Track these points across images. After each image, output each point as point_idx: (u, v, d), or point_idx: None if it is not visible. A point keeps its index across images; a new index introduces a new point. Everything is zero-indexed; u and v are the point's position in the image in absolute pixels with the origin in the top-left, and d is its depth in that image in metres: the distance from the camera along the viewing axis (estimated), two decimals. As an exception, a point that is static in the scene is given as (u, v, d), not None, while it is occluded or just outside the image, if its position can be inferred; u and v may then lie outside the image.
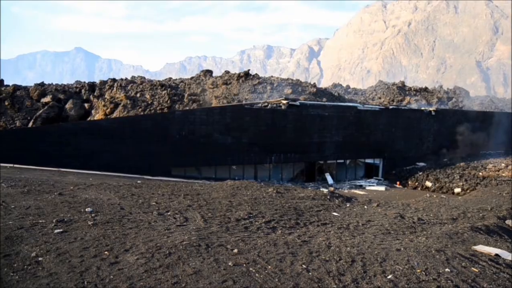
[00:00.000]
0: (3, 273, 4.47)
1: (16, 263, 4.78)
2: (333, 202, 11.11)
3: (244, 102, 29.63)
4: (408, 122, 30.50)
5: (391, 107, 31.03)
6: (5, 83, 35.28)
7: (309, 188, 20.70)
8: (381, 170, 29.29)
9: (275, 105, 25.66)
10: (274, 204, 9.63)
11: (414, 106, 36.88)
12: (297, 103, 25.86)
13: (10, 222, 6.62)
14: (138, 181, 13.49)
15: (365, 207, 11.08)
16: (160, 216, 7.45)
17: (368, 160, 29.40)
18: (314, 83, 45.38)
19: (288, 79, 41.01)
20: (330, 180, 26.48)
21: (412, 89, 46.72)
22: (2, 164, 16.25)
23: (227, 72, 37.97)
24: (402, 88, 46.28)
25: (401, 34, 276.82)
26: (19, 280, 4.31)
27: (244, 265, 4.92)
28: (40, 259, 4.95)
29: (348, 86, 55.25)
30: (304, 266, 5.07)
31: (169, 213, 7.70)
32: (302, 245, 6.05)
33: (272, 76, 40.13)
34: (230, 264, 4.90)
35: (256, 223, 7.46)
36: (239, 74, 36.43)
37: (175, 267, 4.72)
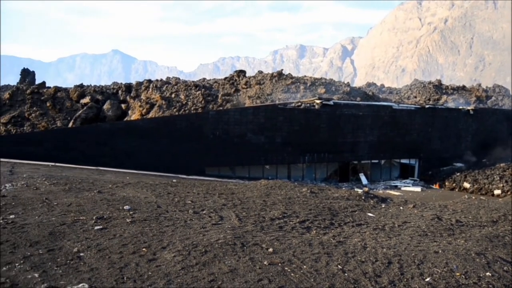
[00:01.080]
0: (47, 267, 4.65)
1: (59, 258, 4.97)
2: (368, 203, 10.97)
3: (277, 102, 29.62)
4: (445, 121, 29.72)
5: (427, 106, 30.31)
6: (47, 85, 36.57)
7: (343, 188, 20.50)
8: (416, 170, 28.69)
9: (308, 104, 25.54)
10: (308, 204, 9.60)
11: (451, 105, 35.94)
12: (331, 102, 25.65)
13: (53, 219, 6.88)
14: (174, 180, 13.72)
15: (401, 208, 10.89)
16: (195, 214, 7.57)
17: (404, 161, 28.85)
18: (348, 82, 44.92)
19: (321, 78, 40.72)
20: (364, 180, 26.14)
21: (449, 87, 45.47)
22: (44, 163, 16.88)
23: (260, 72, 38.05)
24: (438, 87, 45.13)
25: (437, 31, 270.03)
26: (62, 274, 4.47)
27: (280, 264, 4.94)
28: (81, 254, 5.11)
29: (382, 85, 54.39)
30: (339, 266, 5.05)
31: (204, 212, 7.81)
32: (337, 245, 6.02)
33: (305, 76, 39.94)
34: (265, 263, 4.93)
35: (291, 222, 7.47)
36: (272, 74, 36.45)
37: (211, 265, 4.79)
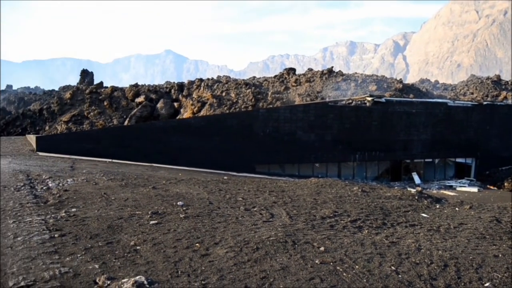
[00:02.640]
0: (106, 259, 4.87)
1: (117, 250, 5.19)
2: (422, 203, 10.65)
3: (327, 100, 29.34)
4: (504, 119, 28.26)
5: (485, 103, 28.95)
6: (104, 85, 38.15)
7: (395, 187, 20.00)
8: (473, 170, 27.50)
9: (359, 102, 25.12)
10: (360, 203, 9.46)
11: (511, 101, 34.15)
12: (383, 99, 25.08)
13: (111, 213, 7.19)
14: (225, 177, 13.93)
15: (457, 209, 10.49)
16: (247, 211, 7.66)
17: (459, 160, 27.73)
18: (400, 79, 43.74)
19: (372, 75, 39.93)
20: (417, 179, 25.38)
21: (509, 83, 43.19)
22: (102, 159, 17.63)
23: (310, 69, 37.82)
24: (497, 83, 42.99)
25: (495, 24, 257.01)
26: (120, 266, 4.67)
27: (331, 263, 4.91)
28: (138, 247, 5.31)
29: (436, 81, 52.55)
30: (393, 268, 4.95)
31: (255, 209, 7.88)
32: (390, 246, 5.90)
33: (355, 73, 39.33)
34: (317, 262, 4.92)
35: (342, 221, 7.39)
36: (322, 71, 36.14)
37: (263, 262, 4.84)
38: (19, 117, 38.84)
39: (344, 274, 4.62)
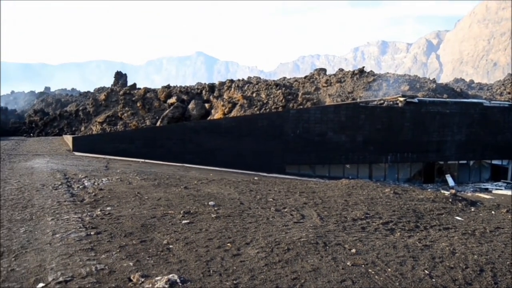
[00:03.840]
0: (140, 257, 4.98)
1: (150, 249, 5.30)
2: (456, 206, 10.40)
3: (359, 100, 29.00)
4: (545, 120, 27.25)
5: (524, 103, 28.00)
6: (137, 86, 38.90)
7: (428, 189, 19.60)
8: (510, 172, 26.64)
9: (391, 102, 24.74)
10: (392, 205, 9.32)
11: (553, 101, 32.84)
12: (415, 100, 24.62)
13: (145, 212, 7.35)
14: (255, 178, 13.99)
15: (493, 212, 10.20)
16: (277, 212, 7.67)
17: (495, 162, 26.90)
18: (434, 78, 42.83)
19: (404, 75, 39.23)
20: (451, 182, 24.77)
21: (550, 82, 41.62)
22: (135, 159, 18.00)
23: (341, 70, 37.48)
24: (537, 82, 41.48)
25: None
26: (154, 264, 4.77)
27: (363, 266, 4.87)
28: (171, 246, 5.41)
29: (471, 81, 51.10)
30: (426, 271, 4.87)
31: (286, 210, 7.89)
32: (423, 249, 5.80)
33: (387, 73, 38.73)
34: (348, 264, 4.89)
35: (374, 223, 7.31)
36: (353, 71, 35.77)
37: (294, 263, 4.85)
38: (56, 118, 40.07)
39: (376, 277, 4.57)
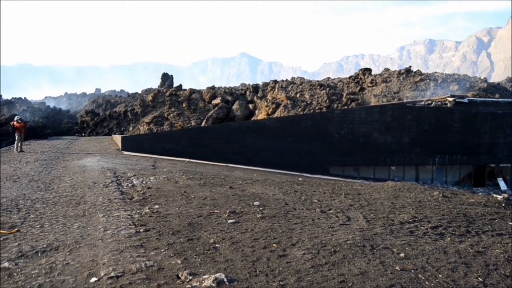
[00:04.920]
0: (188, 255, 5.07)
1: (198, 247, 5.39)
2: (510, 211, 9.94)
3: (405, 100, 28.29)
4: None
5: None
6: (183, 87, 39.66)
7: (479, 193, 18.84)
8: None
9: (439, 102, 23.98)
10: (441, 209, 9.03)
11: None
12: (465, 100, 23.74)
13: (191, 210, 7.48)
14: (299, 179, 13.94)
15: (551, 218, 9.67)
16: (322, 213, 7.61)
17: None
18: (484, 77, 41.12)
19: (453, 74, 37.90)
20: (503, 185, 23.64)
21: None
22: (180, 159, 18.37)
23: (386, 69, 36.70)
24: None
25: None
26: (201, 262, 4.84)
27: (412, 271, 4.74)
28: (217, 245, 5.48)
29: (527, 80, 48.61)
30: (480, 279, 4.68)
31: (331, 211, 7.81)
32: (476, 255, 5.58)
33: (435, 72, 37.56)
34: (397, 268, 4.78)
35: (422, 227, 7.10)
36: (399, 71, 34.95)
37: (341, 265, 4.79)
38: (106, 118, 41.50)
39: (427, 282, 4.44)
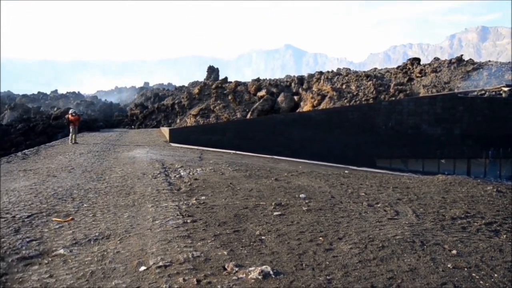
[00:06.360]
0: (234, 246, 5.10)
1: (243, 239, 5.41)
2: None
3: (456, 91, 27.25)
4: None
5: None
6: (228, 80, 40.00)
7: (538, 188, 17.88)
8: None
9: (493, 93, 22.94)
10: (495, 204, 8.63)
11: None
12: (523, 90, 22.56)
13: (237, 202, 7.53)
14: (346, 171, 13.73)
15: None
16: (370, 207, 7.46)
17: None
18: (546, 66, 38.80)
19: (508, 63, 36.04)
20: None
21: None
22: (226, 150, 18.56)
23: (436, 59, 35.43)
24: None
25: None
26: (247, 254, 4.86)
27: (465, 269, 4.55)
28: (263, 237, 5.48)
29: None
30: (539, 279, 4.43)
31: (379, 205, 7.65)
32: (535, 254, 5.29)
33: (489, 61, 35.91)
34: (449, 266, 4.60)
35: (475, 223, 6.82)
36: (450, 60, 33.67)
37: (389, 261, 4.67)
38: (154, 111, 42.54)
39: (481, 282, 4.25)
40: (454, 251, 5.09)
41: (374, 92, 31.13)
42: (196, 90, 39.92)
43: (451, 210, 7.64)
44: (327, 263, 4.60)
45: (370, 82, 32.14)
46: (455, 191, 9.98)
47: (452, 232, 6.13)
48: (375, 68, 42.95)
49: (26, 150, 19.44)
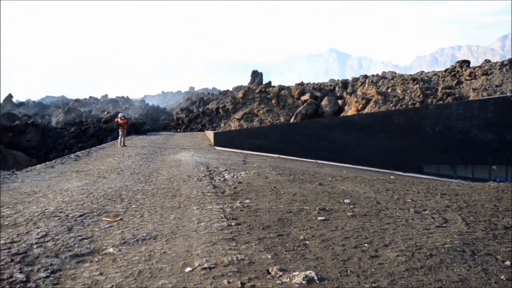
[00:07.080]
0: (278, 250, 5.11)
1: (287, 243, 5.41)
2: None
3: (508, 94, 26.09)
4: None
5: None
6: (272, 84, 40.17)
7: None
8: None
9: (549, 96, 21.77)
10: (554, 214, 8.20)
11: None
12: None
13: (281, 206, 7.55)
14: (391, 177, 13.45)
15: None
16: (417, 214, 7.28)
17: None
18: None
19: None
20: None
21: None
22: (269, 154, 18.61)
23: (487, 61, 34.10)
24: None
25: None
26: (291, 259, 4.86)
27: (520, 281, 4.36)
28: (307, 242, 5.46)
29: None
30: None
31: (426, 212, 7.44)
32: None
33: (546, 63, 34.10)
34: (502, 277, 4.41)
35: (530, 234, 6.51)
36: (502, 62, 32.31)
37: (438, 270, 4.54)
38: (199, 115, 43.27)
39: (537, 294, 4.06)
40: (507, 262, 4.88)
41: (420, 96, 30.34)
42: (240, 95, 40.30)
43: (504, 219, 7.33)
44: (373, 270, 4.53)
45: (417, 85, 31.34)
46: (508, 199, 9.56)
47: (505, 242, 5.87)
48: (422, 71, 41.85)
49: (78, 152, 20.30)
